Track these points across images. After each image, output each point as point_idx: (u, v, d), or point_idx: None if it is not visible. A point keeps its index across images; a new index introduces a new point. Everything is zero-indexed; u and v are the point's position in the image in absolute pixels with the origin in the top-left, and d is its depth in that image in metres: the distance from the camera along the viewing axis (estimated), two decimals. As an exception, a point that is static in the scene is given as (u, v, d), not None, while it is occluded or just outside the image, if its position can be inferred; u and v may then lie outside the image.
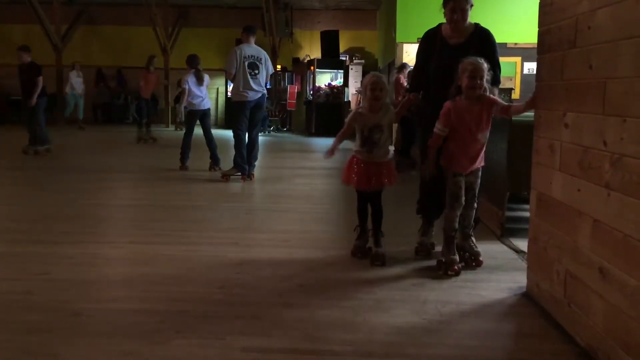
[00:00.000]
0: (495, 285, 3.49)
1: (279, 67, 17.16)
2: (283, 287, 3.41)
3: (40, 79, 9.51)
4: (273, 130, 16.63)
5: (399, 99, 8.34)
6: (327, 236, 4.72)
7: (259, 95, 7.36)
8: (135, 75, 18.27)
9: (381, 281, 3.55)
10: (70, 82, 15.92)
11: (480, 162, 3.73)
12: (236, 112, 7.43)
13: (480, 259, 3.83)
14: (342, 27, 17.56)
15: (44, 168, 8.62)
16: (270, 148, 12.43)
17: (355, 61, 16.39)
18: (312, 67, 16.62)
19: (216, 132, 9.23)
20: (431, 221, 4.23)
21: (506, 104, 3.70)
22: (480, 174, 3.77)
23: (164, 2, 16.88)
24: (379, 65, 15.67)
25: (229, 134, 8.01)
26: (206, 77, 8.59)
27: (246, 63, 7.22)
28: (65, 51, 17.07)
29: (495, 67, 3.83)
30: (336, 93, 16.32)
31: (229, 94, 12.67)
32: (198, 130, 8.46)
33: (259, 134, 8.03)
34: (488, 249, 4.10)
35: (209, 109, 8.66)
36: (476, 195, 3.79)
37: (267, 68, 7.43)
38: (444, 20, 3.99)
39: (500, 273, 3.73)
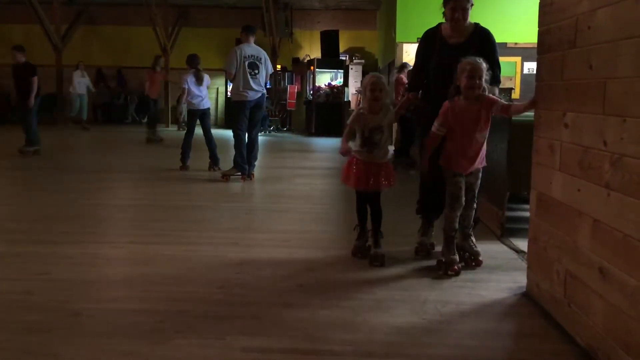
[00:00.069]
0: (495, 285, 3.49)
1: (279, 67, 17.17)
2: (283, 287, 3.41)
3: (35, 79, 9.40)
4: (273, 130, 16.63)
5: (399, 98, 8.35)
6: (327, 236, 4.72)
7: (259, 95, 7.36)
8: (135, 75, 18.34)
9: (381, 281, 3.55)
10: (75, 82, 15.78)
11: (480, 163, 3.72)
12: (236, 112, 7.43)
13: (480, 258, 3.84)
14: (342, 27, 17.56)
15: (44, 168, 8.61)
16: (270, 148, 12.43)
17: (355, 61, 16.40)
18: (312, 67, 16.62)
19: (216, 132, 9.23)
20: (431, 221, 4.22)
21: (506, 103, 3.70)
22: (480, 174, 3.77)
23: (164, 2, 16.88)
24: (379, 65, 15.67)
25: (229, 133, 8.01)
26: (206, 77, 8.59)
27: (246, 63, 7.22)
28: (65, 51, 17.08)
29: (495, 67, 3.83)
30: (336, 93, 16.33)
31: (228, 94, 12.64)
32: (199, 130, 8.46)
33: (259, 133, 8.02)
34: (488, 249, 4.10)
35: (208, 109, 8.66)
36: (476, 195, 3.79)
37: (266, 68, 7.43)
38: (444, 21, 3.99)
39: (500, 273, 3.73)
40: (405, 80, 8.90)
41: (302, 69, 17.92)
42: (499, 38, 4.12)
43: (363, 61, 16.29)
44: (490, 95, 3.60)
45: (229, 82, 12.30)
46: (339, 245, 4.29)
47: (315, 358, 2.53)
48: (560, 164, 2.92)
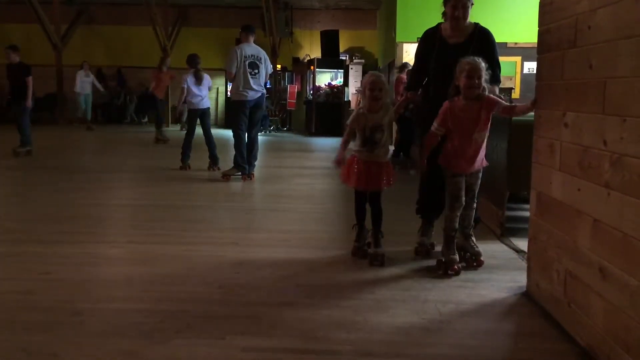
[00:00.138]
0: (495, 285, 3.49)
1: (279, 66, 17.17)
2: (283, 287, 3.41)
3: (30, 79, 9.33)
4: (273, 130, 16.63)
5: (399, 98, 8.35)
6: (327, 236, 4.72)
7: (259, 94, 7.37)
8: (135, 75, 18.35)
9: (381, 281, 3.55)
10: (78, 81, 15.68)
11: (480, 163, 3.72)
12: (236, 112, 7.43)
13: (482, 258, 3.83)
14: (342, 26, 17.55)
15: (44, 168, 8.61)
16: (271, 148, 12.43)
17: (355, 61, 16.40)
18: (312, 67, 16.62)
19: (216, 132, 9.24)
20: (431, 221, 4.22)
21: (510, 104, 3.67)
22: (480, 174, 3.76)
23: (164, 2, 16.87)
24: (379, 65, 15.68)
25: (228, 133, 8.01)
26: (207, 77, 8.57)
27: (246, 63, 7.23)
28: (65, 51, 17.08)
29: (495, 66, 3.83)
30: (336, 93, 16.32)
31: (228, 93, 12.63)
32: (199, 130, 8.47)
33: (259, 133, 8.02)
34: (488, 249, 4.10)
35: (208, 108, 8.65)
36: (475, 196, 3.78)
37: (266, 68, 7.44)
38: (443, 21, 3.99)
39: (500, 273, 3.73)
40: (406, 80, 8.90)
41: (302, 69, 17.92)
42: (499, 38, 4.12)
43: (363, 61, 16.29)
44: (491, 95, 3.60)
45: (228, 82, 12.28)
46: (339, 245, 4.29)
47: (315, 358, 2.53)
48: (560, 164, 2.92)
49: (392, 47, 11.84)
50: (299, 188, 7.28)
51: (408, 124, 8.28)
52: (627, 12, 2.29)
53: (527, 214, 3.53)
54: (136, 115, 18.58)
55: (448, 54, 3.82)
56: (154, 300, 3.16)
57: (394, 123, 7.83)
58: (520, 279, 3.49)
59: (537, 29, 3.28)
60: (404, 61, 10.29)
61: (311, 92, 16.70)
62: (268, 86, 14.24)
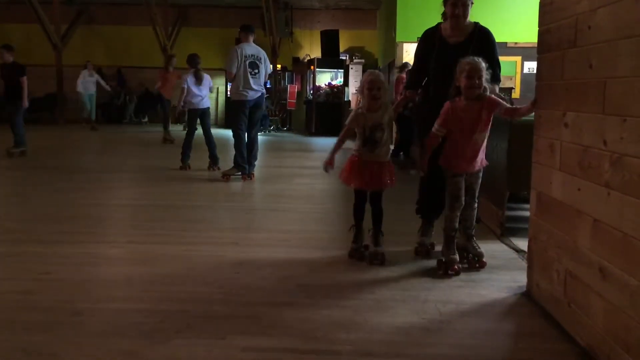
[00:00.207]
0: (496, 285, 3.49)
1: (279, 66, 17.17)
2: (283, 287, 3.41)
3: (25, 79, 9.27)
4: (273, 130, 16.64)
5: (399, 98, 8.35)
6: (327, 236, 4.72)
7: (259, 94, 7.37)
8: (135, 75, 18.35)
9: (381, 281, 3.55)
10: (82, 81, 15.55)
11: (480, 163, 3.71)
12: (235, 112, 7.43)
13: (484, 259, 3.81)
14: (342, 26, 17.56)
15: (44, 168, 8.61)
16: (271, 148, 12.42)
17: (355, 60, 16.40)
18: (312, 67, 16.62)
19: (216, 132, 9.23)
20: (431, 221, 4.22)
21: (511, 106, 3.66)
22: (481, 174, 3.76)
23: (164, 2, 16.88)
24: (379, 65, 15.68)
25: (228, 133, 8.01)
26: (208, 78, 8.56)
27: (247, 62, 7.22)
28: (65, 51, 17.08)
29: (495, 66, 3.82)
30: (336, 92, 16.33)
31: (228, 93, 12.63)
32: (200, 130, 8.47)
33: (258, 133, 8.02)
34: (488, 249, 4.09)
35: (208, 108, 8.65)
36: (476, 196, 3.77)
37: (266, 67, 7.44)
38: (443, 21, 3.99)
39: (500, 272, 3.73)
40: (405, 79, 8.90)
41: (302, 69, 17.92)
42: (499, 38, 4.12)
43: (363, 61, 16.29)
44: (493, 96, 3.59)
45: (229, 82, 12.27)
46: (339, 245, 4.29)
47: (315, 358, 2.53)
48: (560, 164, 2.92)
49: (392, 47, 11.84)
50: (299, 188, 7.28)
51: (407, 123, 8.28)
52: (627, 12, 2.29)
53: (527, 213, 3.53)
54: (136, 115, 18.57)
55: (448, 54, 3.82)
56: (154, 300, 3.16)
57: (393, 123, 7.83)
58: (520, 279, 3.49)
59: (537, 28, 3.28)
60: (404, 61, 10.29)
61: (311, 92, 16.71)
62: (268, 86, 14.24)
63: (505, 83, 9.19)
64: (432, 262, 3.84)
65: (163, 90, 12.12)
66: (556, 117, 2.97)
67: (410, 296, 3.28)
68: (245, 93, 7.23)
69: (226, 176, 7.45)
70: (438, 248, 3.97)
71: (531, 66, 10.64)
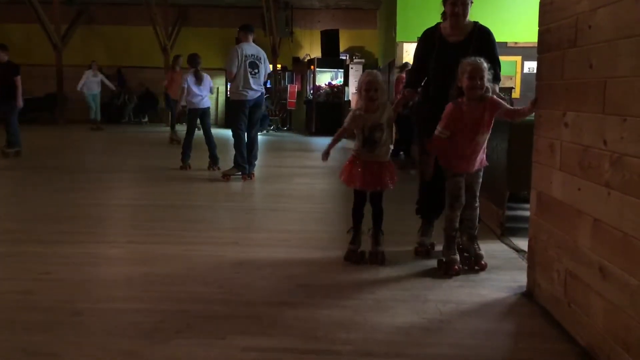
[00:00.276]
0: (496, 285, 3.49)
1: (279, 66, 17.17)
2: (283, 287, 3.41)
3: (19, 78, 9.21)
4: (273, 130, 16.63)
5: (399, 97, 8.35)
6: (327, 236, 4.72)
7: (258, 94, 7.37)
8: (135, 75, 18.35)
9: (381, 281, 3.55)
10: (86, 81, 15.45)
11: (481, 164, 3.71)
12: (235, 112, 7.43)
13: (483, 262, 3.76)
14: (342, 26, 17.56)
15: (44, 168, 8.61)
16: (271, 147, 12.42)
17: (355, 60, 16.40)
18: (312, 67, 16.62)
19: (216, 132, 9.23)
20: (431, 221, 4.22)
21: (511, 107, 3.65)
22: (481, 174, 3.75)
23: (164, 2, 16.87)
24: (379, 65, 15.67)
25: (229, 133, 8.01)
26: (208, 78, 8.55)
27: (247, 62, 7.22)
28: (65, 51, 17.07)
29: (495, 65, 3.82)
30: (336, 92, 16.33)
31: (228, 93, 12.65)
32: (200, 130, 8.48)
33: (258, 133, 8.02)
34: (488, 248, 4.09)
35: (208, 108, 8.66)
36: (476, 195, 3.76)
37: (265, 67, 7.44)
38: (442, 21, 3.99)
39: (501, 272, 3.72)
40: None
41: (302, 69, 17.92)
42: (499, 37, 4.11)
43: (363, 60, 16.29)
44: (494, 97, 3.57)
45: (229, 81, 12.28)
46: (339, 245, 4.28)
47: (315, 358, 2.53)
48: (561, 164, 2.92)
49: (392, 47, 11.83)
50: (299, 188, 7.28)
51: (407, 122, 8.27)
52: (627, 12, 2.29)
53: (527, 213, 3.53)
54: (135, 115, 18.55)
55: (448, 53, 3.81)
56: (154, 300, 3.16)
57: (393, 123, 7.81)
58: (520, 279, 3.49)
59: (537, 28, 3.27)
60: (404, 61, 10.28)
61: (311, 91, 16.71)
62: (268, 86, 14.23)
63: (505, 83, 9.18)
64: (432, 262, 3.84)
65: (170, 90, 12.11)
66: (556, 116, 2.97)
67: (410, 296, 3.28)
68: (245, 93, 7.23)
69: (226, 176, 7.45)
70: (438, 248, 3.96)
71: (531, 66, 10.63)
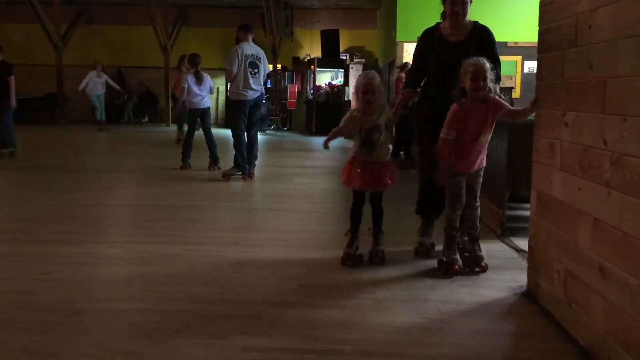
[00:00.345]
0: (496, 285, 3.48)
1: (279, 66, 17.16)
2: (283, 287, 3.41)
3: (12, 78, 9.15)
4: (273, 130, 16.63)
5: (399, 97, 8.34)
6: (327, 236, 4.71)
7: (258, 94, 7.37)
8: (135, 75, 18.34)
9: (381, 281, 3.55)
10: (89, 82, 15.29)
11: (481, 163, 3.70)
12: (235, 111, 7.43)
13: (484, 263, 3.74)
14: (342, 26, 17.55)
15: (43, 168, 8.61)
16: (271, 147, 12.42)
17: (355, 60, 16.39)
18: (312, 67, 16.62)
19: (216, 132, 9.23)
20: (431, 221, 4.22)
21: (512, 108, 3.64)
22: (481, 173, 3.75)
23: (164, 2, 16.86)
24: (379, 65, 15.68)
25: (229, 133, 8.01)
26: (208, 78, 8.55)
27: (247, 62, 7.23)
28: (65, 51, 17.07)
29: (496, 64, 3.81)
30: (336, 92, 16.33)
31: (228, 93, 12.65)
32: (200, 130, 8.47)
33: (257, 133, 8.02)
34: (488, 248, 4.08)
35: (208, 108, 8.66)
36: (477, 195, 3.76)
37: (265, 67, 7.44)
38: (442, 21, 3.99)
39: (501, 272, 3.72)
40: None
41: (302, 69, 17.91)
42: (499, 37, 4.11)
43: (363, 60, 16.29)
44: (497, 97, 3.57)
45: (229, 81, 12.28)
46: (339, 245, 4.27)
47: (315, 358, 2.53)
48: (561, 163, 2.92)
49: (392, 47, 11.84)
50: (299, 188, 7.28)
51: (406, 122, 8.26)
52: (627, 12, 2.29)
53: (527, 213, 3.53)
54: (135, 115, 18.54)
55: (448, 53, 3.81)
56: (153, 300, 3.16)
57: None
58: (520, 279, 3.49)
59: (538, 28, 3.27)
60: (404, 61, 10.28)
61: (311, 91, 16.70)
62: (268, 86, 14.23)
63: (505, 83, 9.18)
64: (433, 262, 3.84)
65: (177, 91, 12.09)
66: (556, 116, 2.97)
67: (410, 296, 3.28)
68: (244, 93, 7.23)
69: (226, 176, 7.45)
70: (438, 248, 3.96)
71: (531, 66, 10.63)
